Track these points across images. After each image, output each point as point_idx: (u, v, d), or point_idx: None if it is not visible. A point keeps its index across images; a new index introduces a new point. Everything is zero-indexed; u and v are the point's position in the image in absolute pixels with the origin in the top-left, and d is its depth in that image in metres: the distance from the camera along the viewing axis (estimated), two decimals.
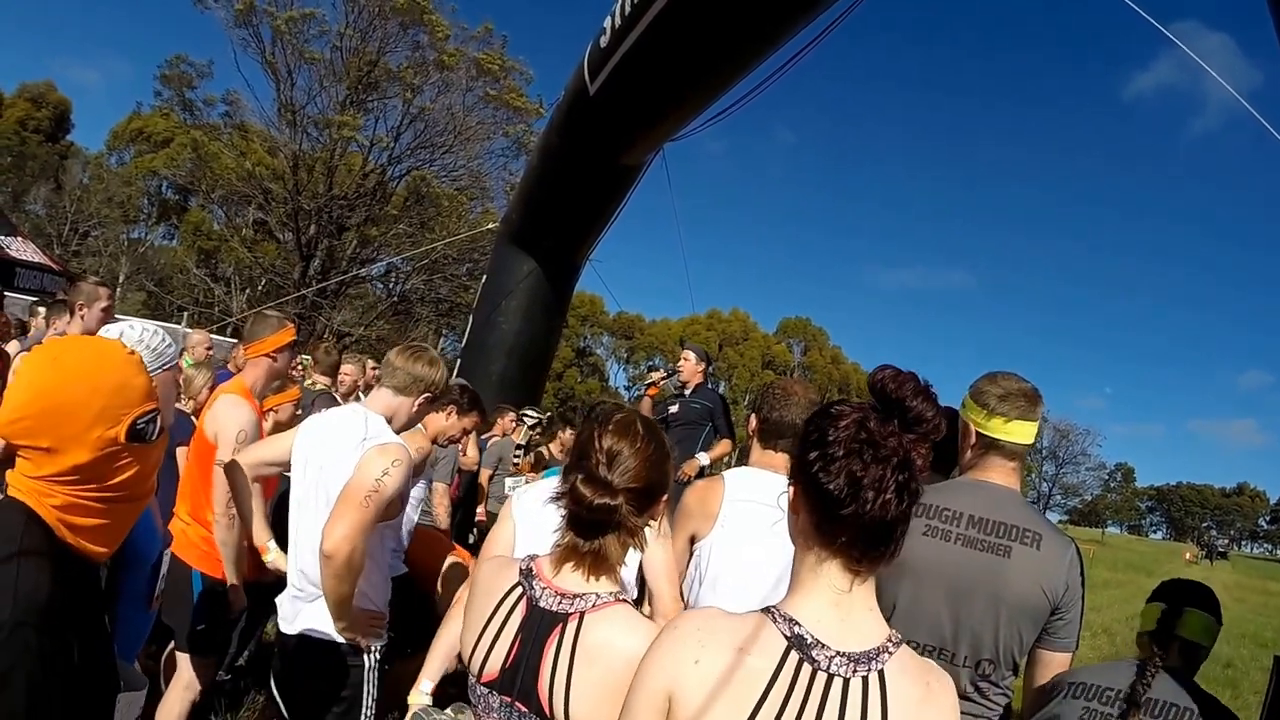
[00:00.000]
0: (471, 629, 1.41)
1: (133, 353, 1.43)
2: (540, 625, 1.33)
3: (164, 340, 1.86)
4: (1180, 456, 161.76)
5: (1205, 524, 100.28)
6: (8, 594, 1.16)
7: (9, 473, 1.33)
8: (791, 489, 1.20)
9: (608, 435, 1.37)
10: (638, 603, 3.18)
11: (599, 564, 1.36)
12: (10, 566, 1.19)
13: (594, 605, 1.32)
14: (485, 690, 1.37)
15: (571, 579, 1.36)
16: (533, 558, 1.44)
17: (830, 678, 1.08)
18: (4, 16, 57.17)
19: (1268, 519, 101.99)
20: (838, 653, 1.09)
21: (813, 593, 1.14)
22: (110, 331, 3.33)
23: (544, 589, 1.36)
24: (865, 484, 1.09)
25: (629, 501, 1.32)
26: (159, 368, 1.74)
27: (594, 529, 1.33)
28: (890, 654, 1.11)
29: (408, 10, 22.10)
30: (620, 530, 1.34)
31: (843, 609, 1.13)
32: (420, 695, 2.06)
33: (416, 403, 2.50)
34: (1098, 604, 14.18)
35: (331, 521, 2.12)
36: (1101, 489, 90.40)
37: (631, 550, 1.39)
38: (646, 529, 1.39)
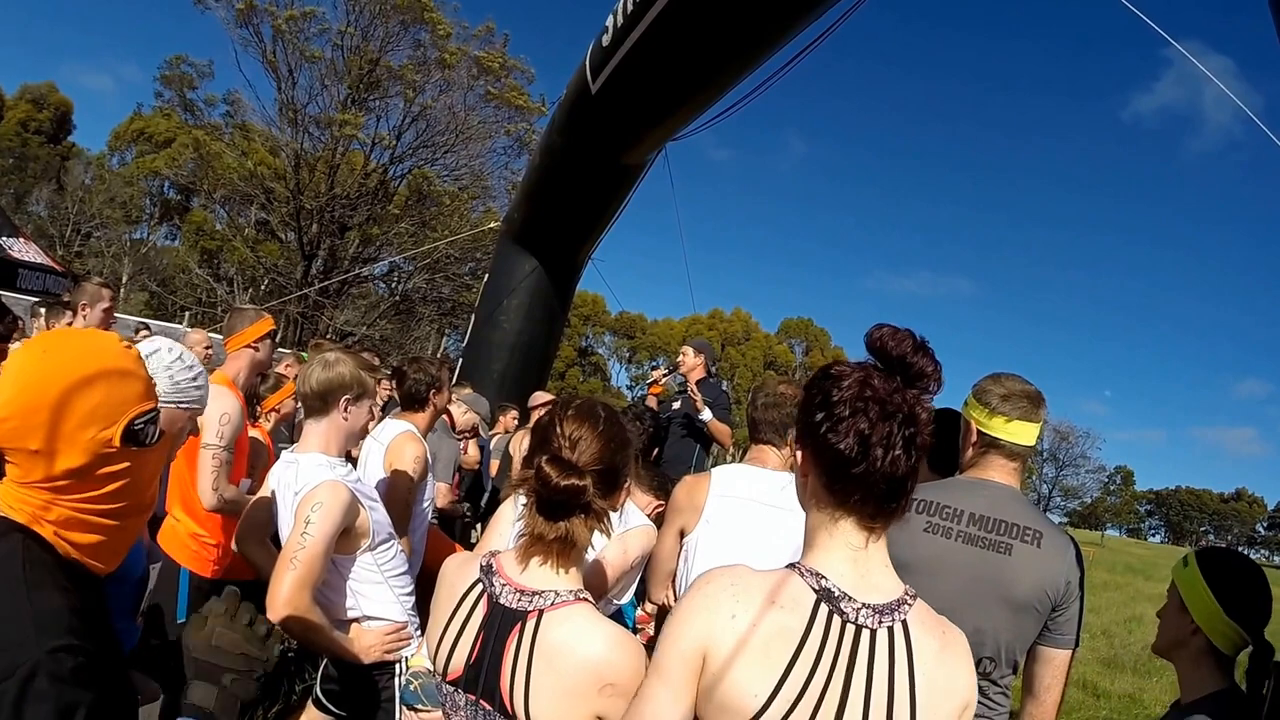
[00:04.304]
0: (436, 627, 1.41)
1: (129, 347, 1.28)
2: (501, 623, 1.33)
3: (193, 379, 1.57)
4: (1179, 461, 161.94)
5: (1203, 529, 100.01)
6: (28, 627, 1.04)
7: None
8: (799, 453, 1.21)
9: (569, 421, 1.37)
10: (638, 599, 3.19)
11: (566, 552, 1.35)
12: (19, 593, 1.08)
13: (553, 604, 1.31)
14: (451, 688, 1.37)
15: (537, 574, 1.35)
16: (493, 554, 1.43)
17: (859, 629, 1.11)
18: (4, 18, 57.28)
19: (1265, 525, 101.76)
20: (864, 605, 1.12)
21: (830, 550, 1.16)
22: (146, 348, 3.33)
23: (504, 586, 1.36)
24: (874, 441, 1.10)
25: (595, 484, 1.33)
26: (172, 402, 1.52)
27: (560, 510, 1.33)
28: (910, 606, 1.14)
29: (409, 9, 22.11)
30: (587, 513, 1.34)
31: (860, 566, 1.15)
32: (425, 660, 2.05)
33: (343, 414, 2.38)
34: (1096, 606, 14.17)
35: (270, 590, 2.12)
36: (1101, 492, 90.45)
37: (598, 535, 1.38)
38: (612, 514, 1.39)
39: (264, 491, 2.51)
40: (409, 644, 2.37)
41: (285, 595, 2.08)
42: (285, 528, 2.32)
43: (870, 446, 1.10)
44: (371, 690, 2.35)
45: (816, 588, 1.13)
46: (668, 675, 1.14)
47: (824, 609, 1.11)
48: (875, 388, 1.13)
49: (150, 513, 1.33)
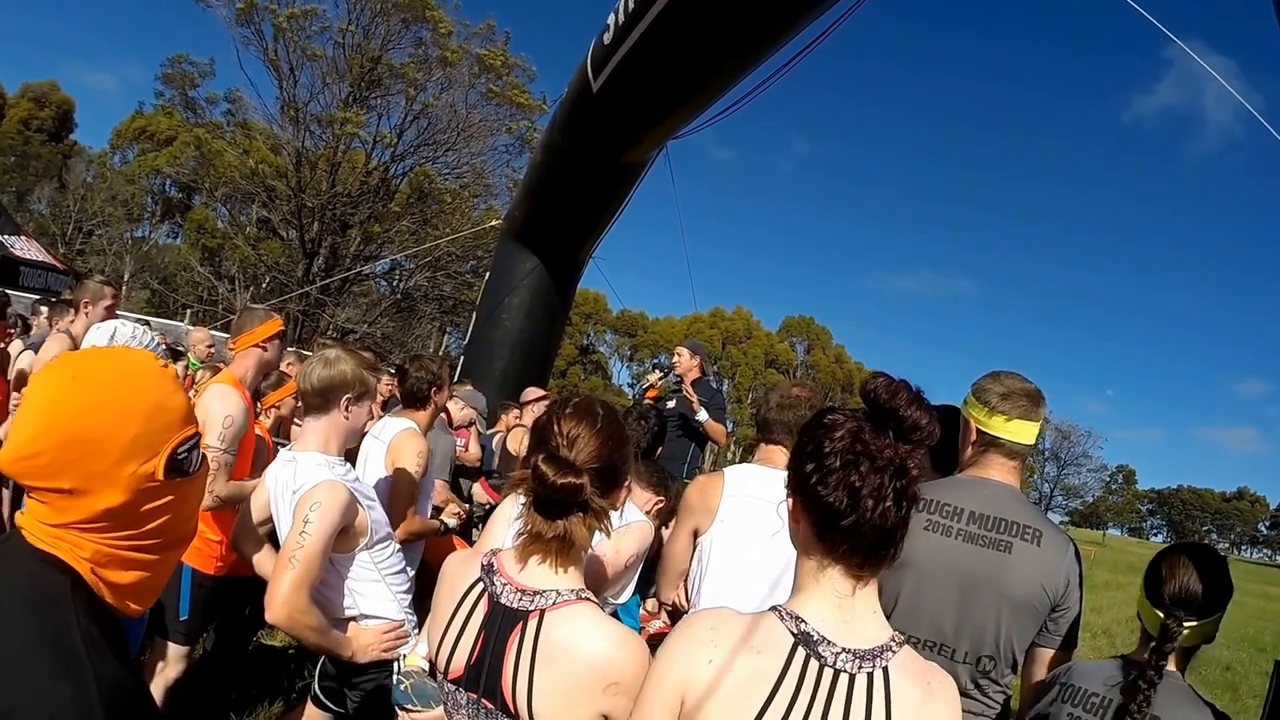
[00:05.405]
0: (437, 625, 1.41)
1: (166, 365, 1.16)
2: (502, 623, 1.33)
3: (153, 341, 1.75)
4: (1181, 460, 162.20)
5: (1205, 528, 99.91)
6: (91, 695, 0.92)
7: (19, 515, 1.08)
8: (790, 500, 1.20)
9: (567, 419, 1.37)
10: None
11: (565, 551, 1.35)
12: (76, 656, 0.95)
13: (555, 603, 1.31)
14: (452, 687, 1.37)
15: (536, 573, 1.35)
16: (494, 553, 1.42)
17: (836, 673, 1.10)
18: (6, 17, 57.35)
19: (1267, 524, 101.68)
20: (843, 649, 1.11)
21: (816, 596, 1.16)
22: (102, 331, 3.30)
23: (505, 585, 1.35)
24: (864, 494, 1.09)
25: (593, 482, 1.32)
26: None
27: (557, 509, 1.33)
28: (894, 652, 1.13)
29: (410, 6, 22.10)
30: (586, 512, 1.33)
31: (846, 612, 1.14)
32: (418, 659, 2.08)
33: (344, 413, 2.37)
34: (1098, 605, 14.18)
35: (269, 589, 2.11)
36: (1103, 491, 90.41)
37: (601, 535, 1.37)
38: (612, 513, 1.39)
39: (261, 489, 2.52)
40: (406, 642, 2.37)
41: (284, 594, 2.08)
42: (283, 526, 2.32)
43: (860, 499, 1.09)
44: (369, 688, 2.35)
45: (795, 631, 1.13)
46: (648, 718, 1.15)
47: (801, 652, 1.11)
48: (865, 441, 1.12)
49: (189, 544, 1.21)
